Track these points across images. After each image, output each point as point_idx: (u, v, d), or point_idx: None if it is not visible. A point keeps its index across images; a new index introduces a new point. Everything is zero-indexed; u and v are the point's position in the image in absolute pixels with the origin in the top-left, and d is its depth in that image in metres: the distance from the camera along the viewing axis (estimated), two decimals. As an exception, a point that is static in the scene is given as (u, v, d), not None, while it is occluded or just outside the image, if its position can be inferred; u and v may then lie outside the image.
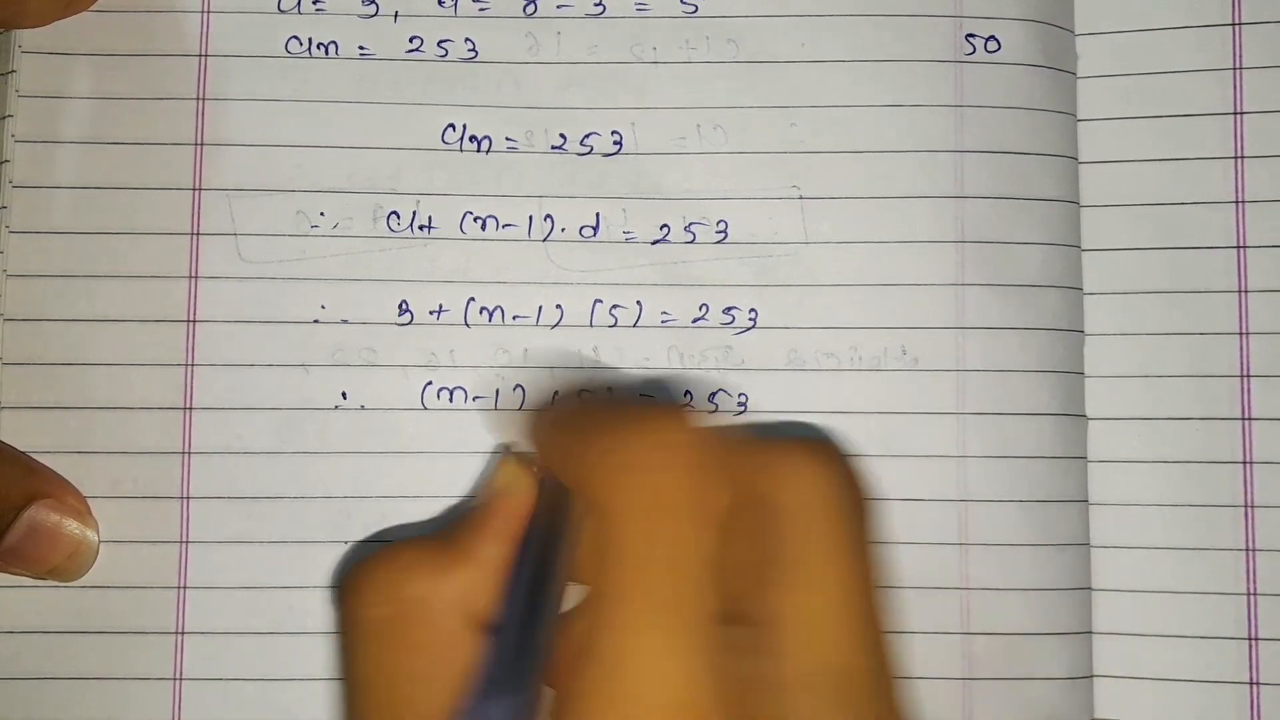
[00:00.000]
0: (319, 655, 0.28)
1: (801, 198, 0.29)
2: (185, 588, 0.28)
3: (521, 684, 0.21)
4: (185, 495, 0.28)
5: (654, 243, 0.29)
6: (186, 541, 0.28)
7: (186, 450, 0.28)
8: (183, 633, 0.28)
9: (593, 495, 0.21)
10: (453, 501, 0.28)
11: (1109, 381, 0.29)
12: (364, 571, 0.24)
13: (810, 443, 0.24)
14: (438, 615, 0.23)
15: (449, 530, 0.25)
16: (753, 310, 0.29)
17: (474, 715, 0.21)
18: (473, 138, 0.29)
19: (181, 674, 0.28)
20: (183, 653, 0.28)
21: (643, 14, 0.29)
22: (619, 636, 0.20)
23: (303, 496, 0.28)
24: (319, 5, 0.29)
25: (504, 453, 0.28)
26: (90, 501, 0.28)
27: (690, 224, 0.29)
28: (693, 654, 0.20)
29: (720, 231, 0.29)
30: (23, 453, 0.28)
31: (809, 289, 0.29)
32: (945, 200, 0.29)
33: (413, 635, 0.23)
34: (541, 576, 0.23)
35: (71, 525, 0.27)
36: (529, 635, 0.22)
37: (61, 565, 0.27)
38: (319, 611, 0.28)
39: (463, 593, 0.23)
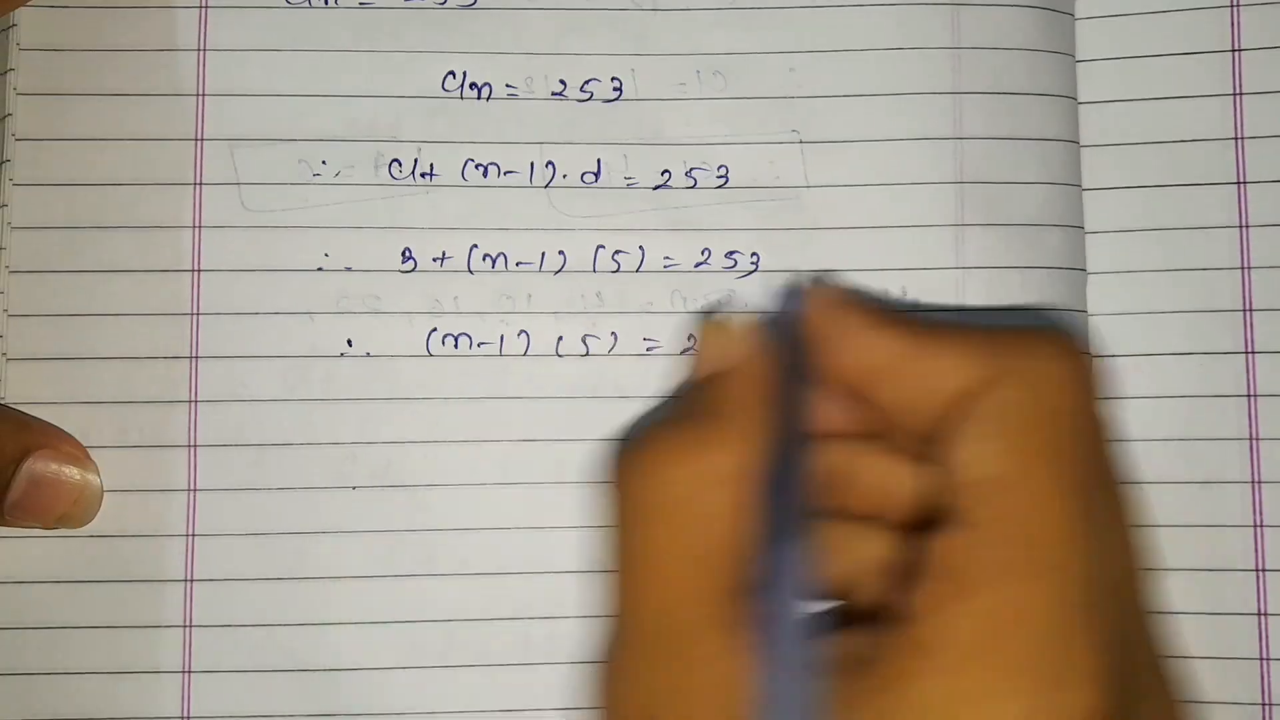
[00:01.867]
0: (328, 600, 0.28)
1: (801, 142, 0.29)
2: (194, 535, 0.28)
3: (798, 531, 0.22)
4: (192, 444, 0.28)
5: (655, 188, 0.29)
6: (194, 490, 0.28)
7: (193, 399, 0.28)
8: (192, 580, 0.28)
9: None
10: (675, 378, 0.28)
11: (1111, 319, 0.29)
12: (636, 456, 0.23)
13: (1048, 342, 0.23)
14: (710, 490, 0.22)
15: (699, 403, 0.24)
16: (754, 254, 0.29)
17: (763, 563, 0.22)
18: (473, 85, 0.29)
19: (191, 621, 0.28)
20: (192, 600, 0.28)
21: (641, -40, 0.30)
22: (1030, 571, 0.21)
23: (309, 443, 0.28)
24: (318, -45, 0.29)
25: (709, 316, 0.28)
26: (98, 451, 0.28)
27: (691, 169, 0.29)
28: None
29: (721, 176, 0.29)
30: (11, 408, 0.28)
31: (810, 232, 0.29)
32: (944, 141, 0.29)
33: (687, 514, 0.22)
34: (796, 435, 0.23)
35: (71, 472, 0.27)
36: (796, 487, 0.23)
37: (68, 512, 0.27)
38: (327, 556, 0.28)
39: (730, 466, 0.23)
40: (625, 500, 0.23)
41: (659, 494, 0.23)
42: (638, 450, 0.23)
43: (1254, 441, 0.29)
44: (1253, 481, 0.28)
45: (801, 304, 0.25)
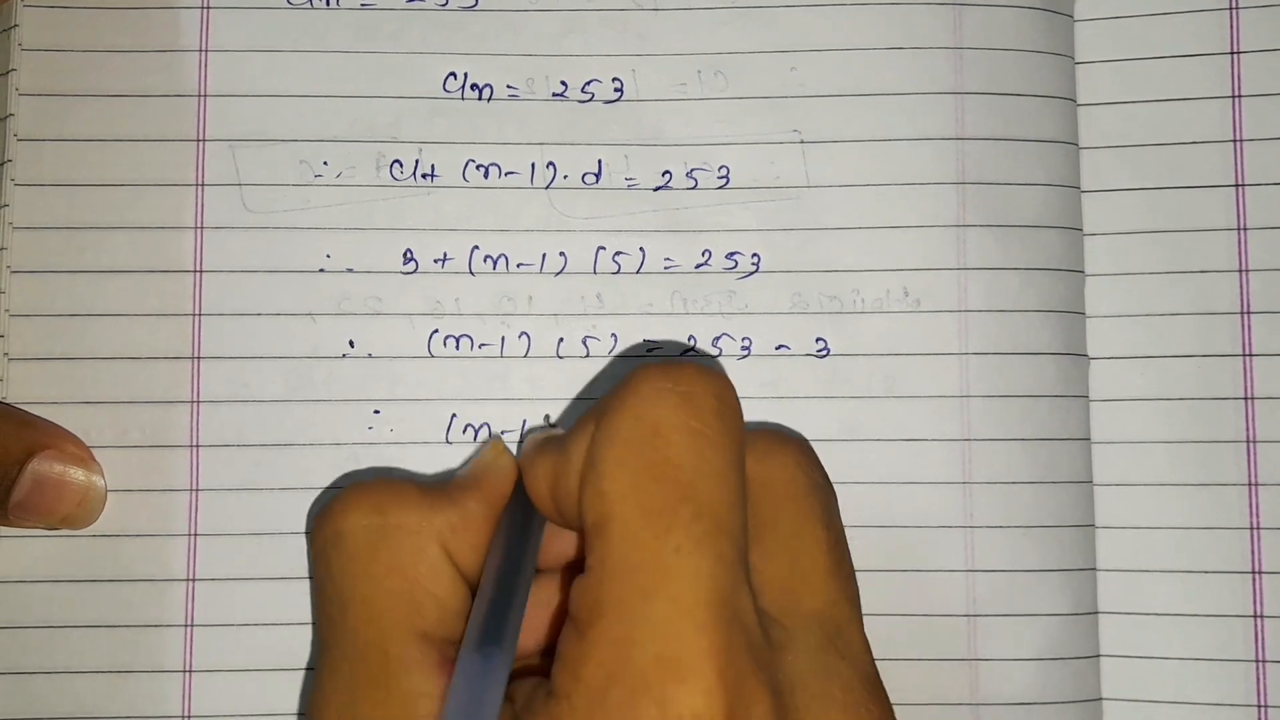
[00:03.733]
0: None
1: (803, 142, 0.29)
2: (196, 535, 0.28)
3: (499, 640, 0.22)
4: (194, 444, 0.28)
5: (656, 189, 0.29)
6: (196, 490, 0.28)
7: (195, 399, 0.28)
8: (194, 580, 0.28)
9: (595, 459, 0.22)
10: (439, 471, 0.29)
11: (1110, 321, 0.29)
12: (350, 493, 0.24)
13: (782, 432, 0.25)
14: (422, 541, 0.24)
15: (435, 484, 0.25)
16: (755, 255, 0.29)
17: (459, 666, 0.22)
18: (474, 86, 0.29)
19: (193, 620, 0.28)
20: (194, 599, 0.28)
21: (642, -39, 0.30)
22: (631, 598, 0.20)
23: (311, 444, 0.28)
24: (319, -44, 0.29)
25: (494, 437, 0.28)
26: (99, 451, 0.28)
27: (692, 170, 0.29)
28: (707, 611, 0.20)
29: (722, 177, 0.29)
30: (16, 407, 0.28)
31: (811, 232, 0.29)
32: (946, 142, 0.29)
33: (396, 554, 0.24)
34: (520, 545, 0.24)
35: (76, 473, 0.27)
36: (509, 595, 0.23)
37: (72, 514, 0.27)
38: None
39: (447, 529, 0.24)
40: (350, 533, 0.24)
41: (369, 521, 0.24)
42: (369, 491, 0.24)
43: (1251, 444, 0.29)
44: (1249, 484, 0.29)
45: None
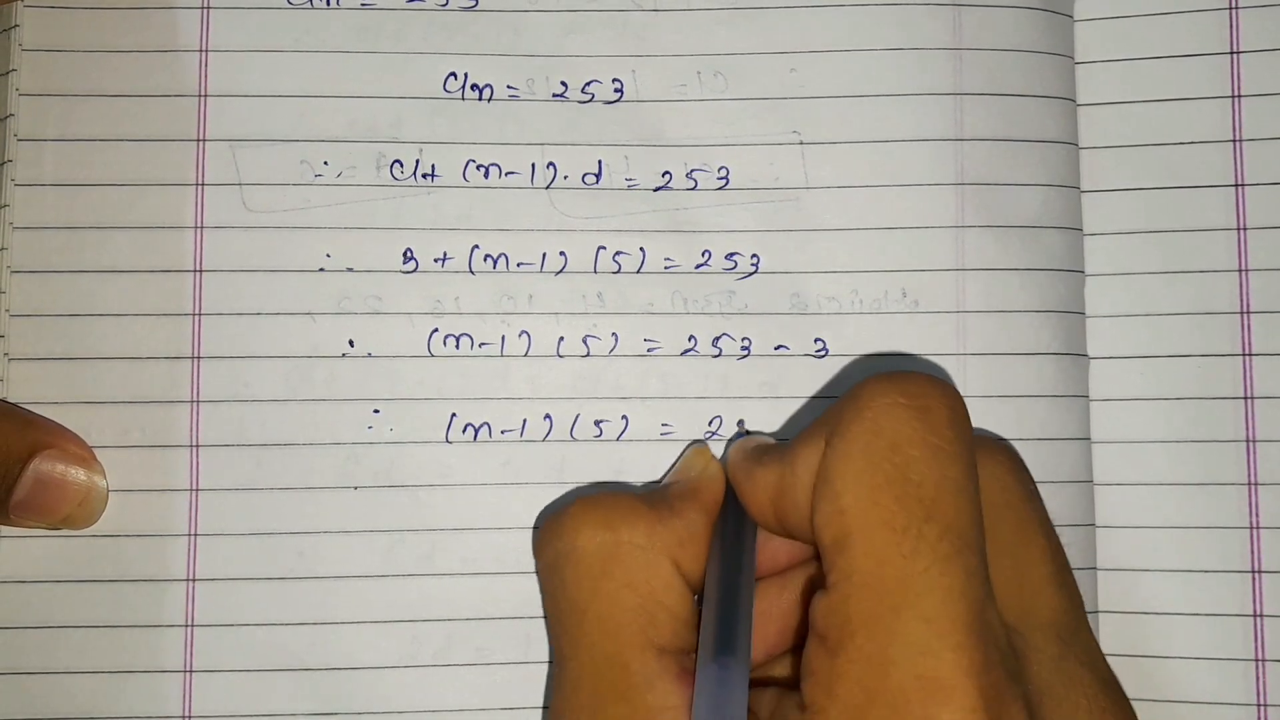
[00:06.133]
0: (329, 600, 0.28)
1: (802, 143, 0.29)
2: (196, 535, 0.28)
3: (734, 650, 0.22)
4: (195, 444, 0.28)
5: (656, 189, 0.29)
6: (196, 489, 0.28)
7: (195, 399, 0.28)
8: (194, 580, 0.28)
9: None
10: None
11: (1109, 321, 0.29)
12: (581, 509, 0.25)
13: (990, 438, 0.25)
14: (653, 556, 0.24)
15: (653, 494, 0.26)
16: (755, 255, 0.29)
17: (700, 677, 0.22)
18: (474, 86, 0.29)
19: (193, 620, 0.28)
20: (194, 600, 0.28)
21: (642, -39, 0.30)
22: (884, 616, 0.20)
23: (311, 443, 0.28)
24: (320, -44, 0.29)
25: (698, 443, 0.29)
26: (100, 451, 0.28)
27: (692, 170, 0.29)
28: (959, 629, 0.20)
29: (722, 178, 0.29)
30: (19, 406, 0.28)
31: (810, 233, 0.29)
32: (945, 143, 0.29)
33: (627, 571, 0.24)
34: (738, 553, 0.25)
35: (78, 473, 0.27)
36: (734, 603, 0.23)
37: (73, 513, 0.27)
38: (328, 556, 0.28)
39: (675, 543, 0.24)
40: (583, 549, 0.24)
41: (600, 539, 0.24)
42: (598, 506, 0.25)
43: (1251, 444, 0.29)
44: (1249, 484, 0.29)
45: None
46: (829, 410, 0.23)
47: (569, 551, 0.24)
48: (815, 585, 0.23)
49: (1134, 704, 0.28)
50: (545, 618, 0.28)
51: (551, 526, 0.25)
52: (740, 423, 0.29)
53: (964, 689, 0.20)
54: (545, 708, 0.28)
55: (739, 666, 0.22)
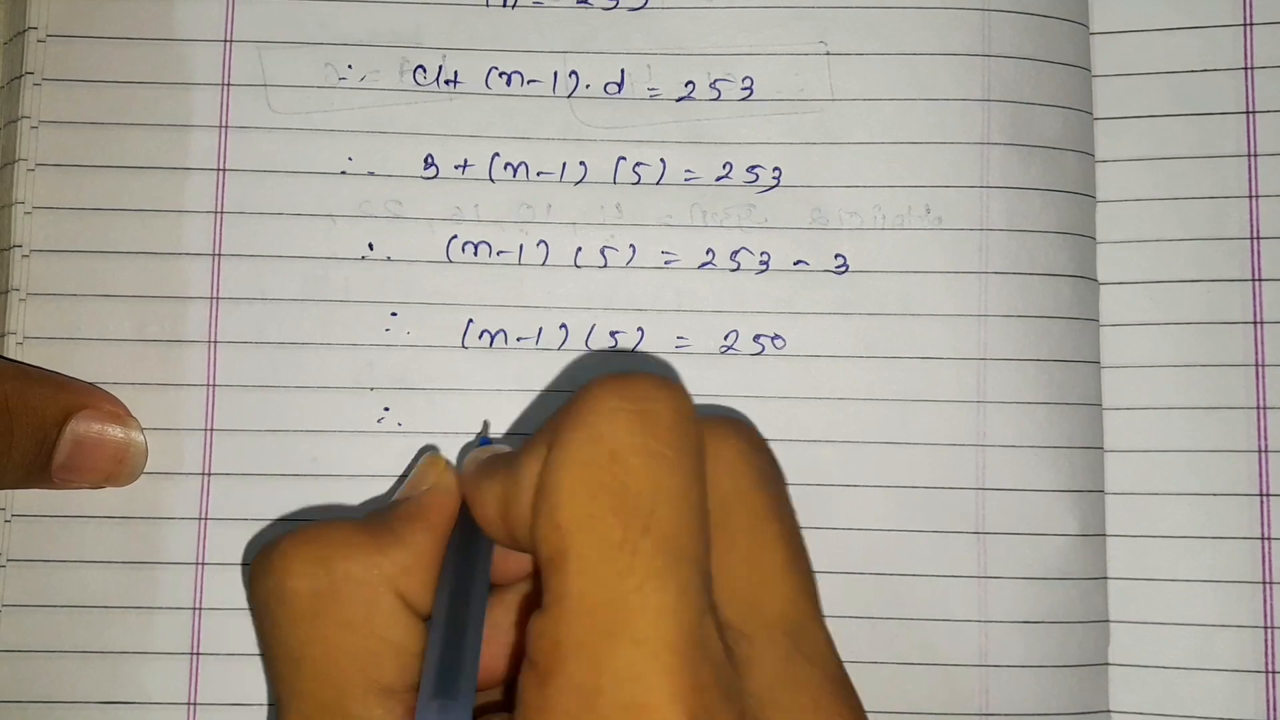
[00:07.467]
0: (340, 500, 0.28)
1: (829, 53, 0.29)
2: (212, 430, 0.28)
3: (455, 691, 0.21)
4: (212, 339, 0.29)
5: (679, 99, 0.29)
6: (213, 385, 0.29)
7: (214, 295, 0.29)
8: (209, 474, 0.28)
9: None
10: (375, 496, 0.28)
11: (1118, 246, 0.29)
12: (291, 545, 0.23)
13: (722, 419, 0.23)
14: (373, 592, 0.23)
15: (376, 516, 0.24)
16: (776, 169, 0.29)
17: (428, 664, 0.22)
18: (499, -9, 0.29)
19: (207, 514, 0.28)
20: (208, 493, 0.28)
21: None
22: (593, 641, 0.20)
23: (329, 343, 0.29)
24: None
25: (432, 453, 0.28)
26: (114, 345, 0.28)
27: (715, 80, 0.29)
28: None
29: (745, 89, 0.29)
30: (50, 371, 0.28)
31: (834, 147, 0.29)
32: (972, 58, 0.29)
33: (344, 610, 0.22)
34: (469, 575, 0.23)
35: (115, 430, 0.27)
36: (460, 635, 0.22)
37: (114, 471, 0.28)
38: (339, 456, 0.28)
39: (398, 572, 0.23)
40: (294, 590, 0.23)
41: (313, 582, 0.23)
42: (310, 541, 0.23)
43: (1260, 368, 0.29)
44: (1258, 408, 0.28)
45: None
46: (554, 414, 0.22)
47: (279, 593, 0.23)
48: (533, 603, 0.21)
49: (1142, 626, 0.28)
50: (261, 657, 0.27)
51: (260, 564, 0.23)
52: (485, 424, 0.28)
53: (671, 716, 0.19)
54: None
55: (460, 709, 0.21)
